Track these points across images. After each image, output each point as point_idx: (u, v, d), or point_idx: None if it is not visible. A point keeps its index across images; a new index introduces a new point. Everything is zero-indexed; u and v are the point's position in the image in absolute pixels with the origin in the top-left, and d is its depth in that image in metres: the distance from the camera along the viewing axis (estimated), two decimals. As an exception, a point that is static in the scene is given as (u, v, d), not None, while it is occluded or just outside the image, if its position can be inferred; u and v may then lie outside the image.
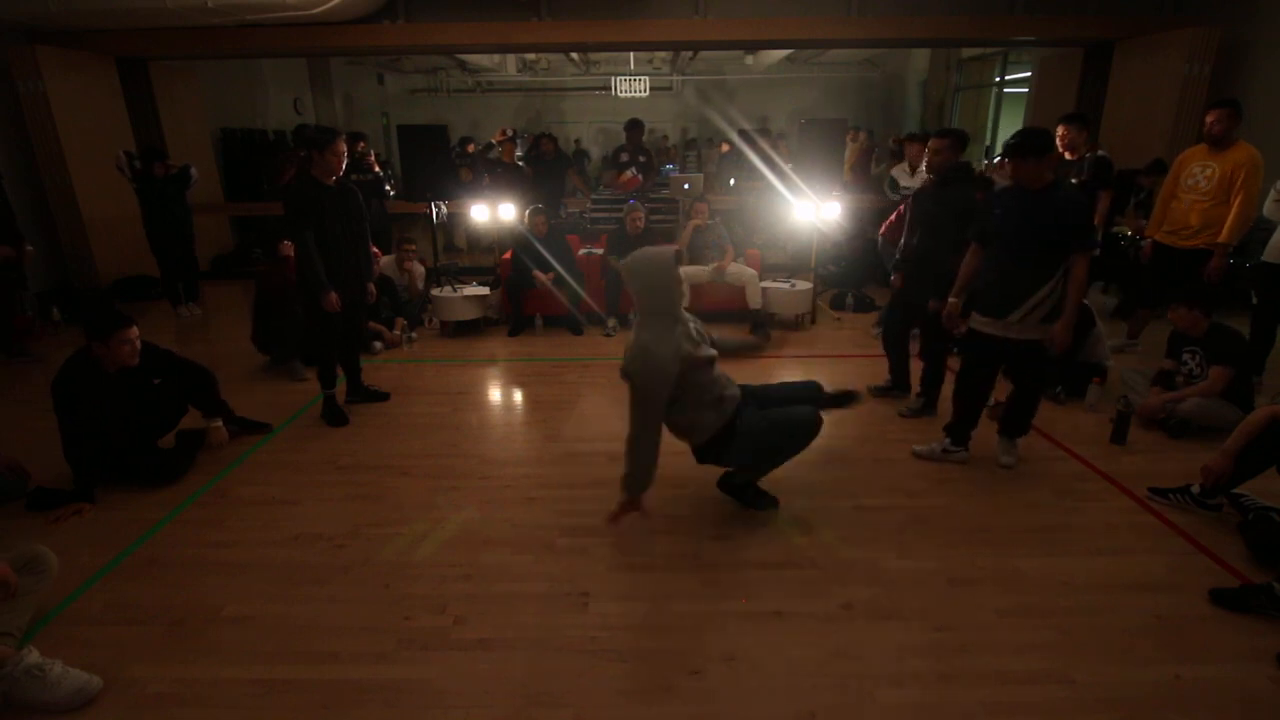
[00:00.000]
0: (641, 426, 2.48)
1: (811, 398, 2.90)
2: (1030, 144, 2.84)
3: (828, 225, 5.71)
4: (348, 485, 3.20)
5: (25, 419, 3.88)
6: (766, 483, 2.93)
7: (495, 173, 7.13)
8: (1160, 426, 3.60)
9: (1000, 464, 3.23)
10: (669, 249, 2.56)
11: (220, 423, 3.44)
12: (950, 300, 3.26)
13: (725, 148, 10.11)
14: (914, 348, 4.07)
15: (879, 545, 2.69)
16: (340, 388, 3.98)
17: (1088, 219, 2.85)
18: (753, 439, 2.68)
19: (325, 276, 3.52)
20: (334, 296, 3.56)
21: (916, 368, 3.98)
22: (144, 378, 3.20)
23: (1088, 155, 4.39)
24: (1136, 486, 3.06)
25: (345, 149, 3.52)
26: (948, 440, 3.32)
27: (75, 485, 3.00)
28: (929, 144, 3.73)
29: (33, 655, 1.97)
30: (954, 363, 4.43)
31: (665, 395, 2.47)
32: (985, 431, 3.65)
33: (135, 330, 3.05)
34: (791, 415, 2.73)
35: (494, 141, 8.17)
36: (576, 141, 15.06)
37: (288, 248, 4.56)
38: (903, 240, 3.89)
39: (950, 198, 3.56)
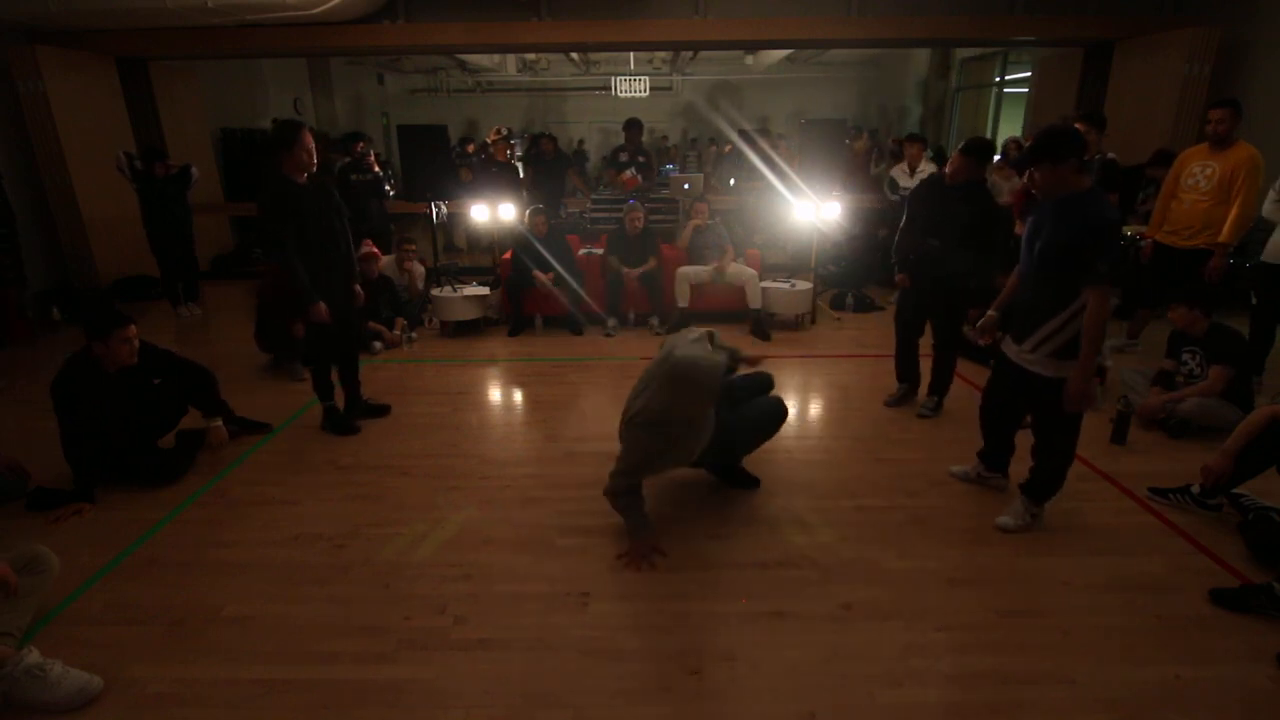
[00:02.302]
0: (624, 485, 2.66)
1: (766, 388, 3.16)
2: (1040, 147, 2.42)
3: (828, 225, 5.71)
4: (348, 485, 3.20)
5: (25, 419, 3.88)
6: (761, 474, 2.93)
7: (489, 171, 7.14)
8: (1160, 426, 3.60)
9: (996, 523, 2.78)
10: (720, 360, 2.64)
11: (220, 422, 3.43)
12: (989, 313, 2.90)
13: (728, 148, 10.11)
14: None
15: (879, 545, 2.69)
16: (340, 398, 3.86)
17: (1099, 240, 2.32)
18: (733, 438, 2.89)
19: (310, 285, 3.36)
20: (322, 307, 3.40)
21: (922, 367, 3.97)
22: (143, 378, 3.20)
23: (1097, 157, 4.38)
24: (1136, 486, 3.06)
25: (313, 142, 3.35)
26: (980, 465, 3.09)
27: (75, 485, 3.00)
28: (951, 159, 3.55)
29: (33, 655, 1.97)
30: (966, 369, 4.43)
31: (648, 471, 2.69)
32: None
33: (134, 329, 3.05)
34: (763, 409, 3.01)
35: (488, 140, 8.18)
36: (580, 142, 15.04)
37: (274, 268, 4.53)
38: (899, 238, 3.81)
39: (972, 203, 3.43)
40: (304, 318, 3.51)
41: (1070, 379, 2.45)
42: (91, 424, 2.98)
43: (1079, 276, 2.37)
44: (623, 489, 2.63)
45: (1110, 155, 4.48)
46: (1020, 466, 2.92)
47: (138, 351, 3.09)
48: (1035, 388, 2.60)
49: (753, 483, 3.10)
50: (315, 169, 3.41)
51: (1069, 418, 2.58)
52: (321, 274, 3.43)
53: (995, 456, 3.03)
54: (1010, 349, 2.70)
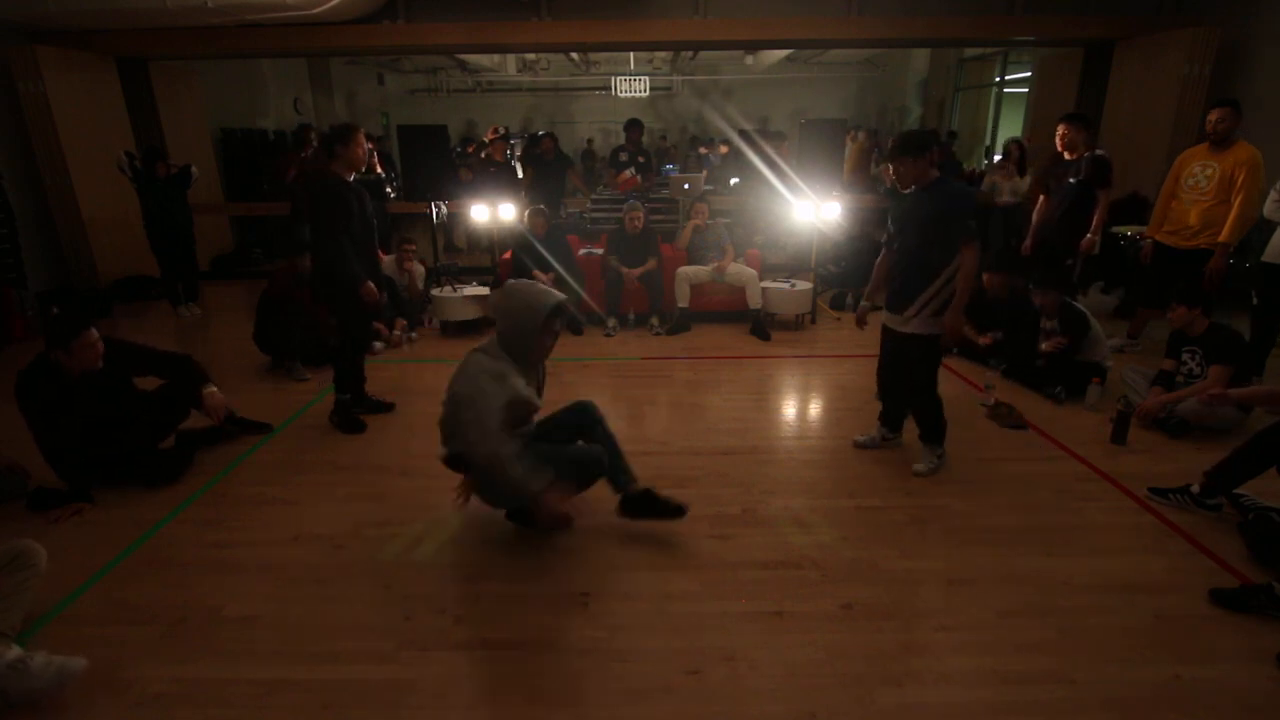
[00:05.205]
0: (488, 447, 2.30)
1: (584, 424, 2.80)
2: (904, 145, 2.91)
3: (828, 225, 5.71)
4: (348, 485, 3.20)
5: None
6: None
7: (487, 171, 7.14)
8: (1160, 426, 3.60)
9: (914, 470, 3.22)
10: (554, 295, 2.45)
11: (214, 389, 3.32)
12: (862, 304, 3.43)
13: (724, 149, 10.11)
14: None
15: (879, 545, 2.69)
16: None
17: (965, 206, 2.90)
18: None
19: (356, 268, 3.46)
20: (371, 286, 3.49)
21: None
22: (112, 379, 3.11)
23: (1085, 154, 4.39)
24: (1136, 486, 3.06)
25: (365, 141, 3.51)
26: (884, 430, 3.47)
27: (68, 486, 3.00)
28: (890, 168, 3.11)
29: (13, 651, 1.96)
30: (967, 369, 4.42)
31: (499, 418, 2.33)
32: (981, 432, 3.66)
33: (95, 333, 2.98)
34: (584, 451, 2.69)
35: (485, 140, 8.19)
36: (589, 141, 14.99)
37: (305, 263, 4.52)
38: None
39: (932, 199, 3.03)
40: (342, 306, 3.53)
41: (949, 319, 2.93)
42: (61, 430, 2.94)
43: (954, 237, 2.86)
44: (503, 454, 2.33)
45: (1100, 152, 4.47)
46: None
47: (103, 355, 3.00)
48: (909, 346, 3.09)
49: (675, 512, 2.70)
50: (367, 171, 3.49)
51: (931, 365, 3.13)
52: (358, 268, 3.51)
53: (894, 419, 3.45)
54: (894, 321, 3.14)
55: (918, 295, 2.98)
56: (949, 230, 2.87)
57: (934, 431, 3.22)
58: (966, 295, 2.92)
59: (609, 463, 2.71)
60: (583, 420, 2.79)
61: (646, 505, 2.71)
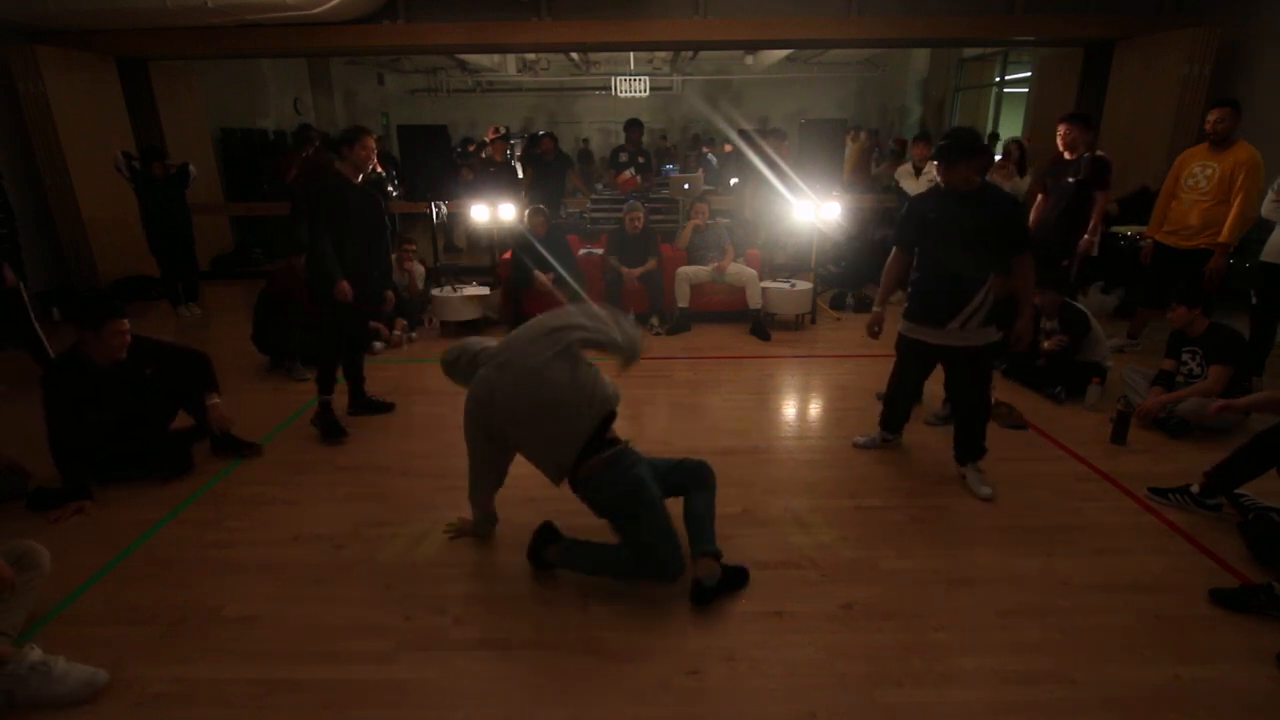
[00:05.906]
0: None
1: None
2: (960, 147, 2.74)
3: (828, 225, 5.71)
4: (348, 485, 3.20)
5: (25, 419, 3.86)
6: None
7: (487, 171, 7.14)
8: (1160, 426, 3.60)
9: (981, 495, 3.00)
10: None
11: (219, 399, 3.35)
12: (875, 309, 3.26)
13: (728, 148, 10.11)
14: None
15: (879, 545, 2.69)
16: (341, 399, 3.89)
17: (1019, 216, 2.88)
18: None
19: (335, 265, 3.45)
20: (345, 285, 3.45)
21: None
22: (135, 372, 3.16)
23: (1085, 155, 4.38)
24: (1136, 486, 3.06)
25: (374, 146, 3.56)
26: (884, 432, 3.47)
27: (66, 484, 2.99)
28: (940, 170, 2.84)
29: (35, 652, 1.97)
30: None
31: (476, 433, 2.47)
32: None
33: (126, 323, 3.02)
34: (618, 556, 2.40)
35: (485, 140, 8.19)
36: (585, 141, 15.01)
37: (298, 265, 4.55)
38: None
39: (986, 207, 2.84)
40: (322, 303, 3.53)
41: (1020, 325, 2.93)
42: (82, 421, 2.95)
43: (1007, 249, 2.82)
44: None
45: (1100, 153, 4.45)
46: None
47: (128, 347, 3.05)
48: (964, 359, 2.97)
49: (738, 577, 2.45)
50: (370, 170, 3.62)
51: (986, 376, 3.06)
52: (353, 269, 3.50)
53: (895, 423, 3.44)
54: (931, 334, 2.99)
55: (964, 306, 2.85)
56: (1002, 239, 2.79)
57: (981, 446, 3.09)
58: (1031, 303, 2.92)
59: (693, 526, 2.45)
60: (695, 479, 2.55)
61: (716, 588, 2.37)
